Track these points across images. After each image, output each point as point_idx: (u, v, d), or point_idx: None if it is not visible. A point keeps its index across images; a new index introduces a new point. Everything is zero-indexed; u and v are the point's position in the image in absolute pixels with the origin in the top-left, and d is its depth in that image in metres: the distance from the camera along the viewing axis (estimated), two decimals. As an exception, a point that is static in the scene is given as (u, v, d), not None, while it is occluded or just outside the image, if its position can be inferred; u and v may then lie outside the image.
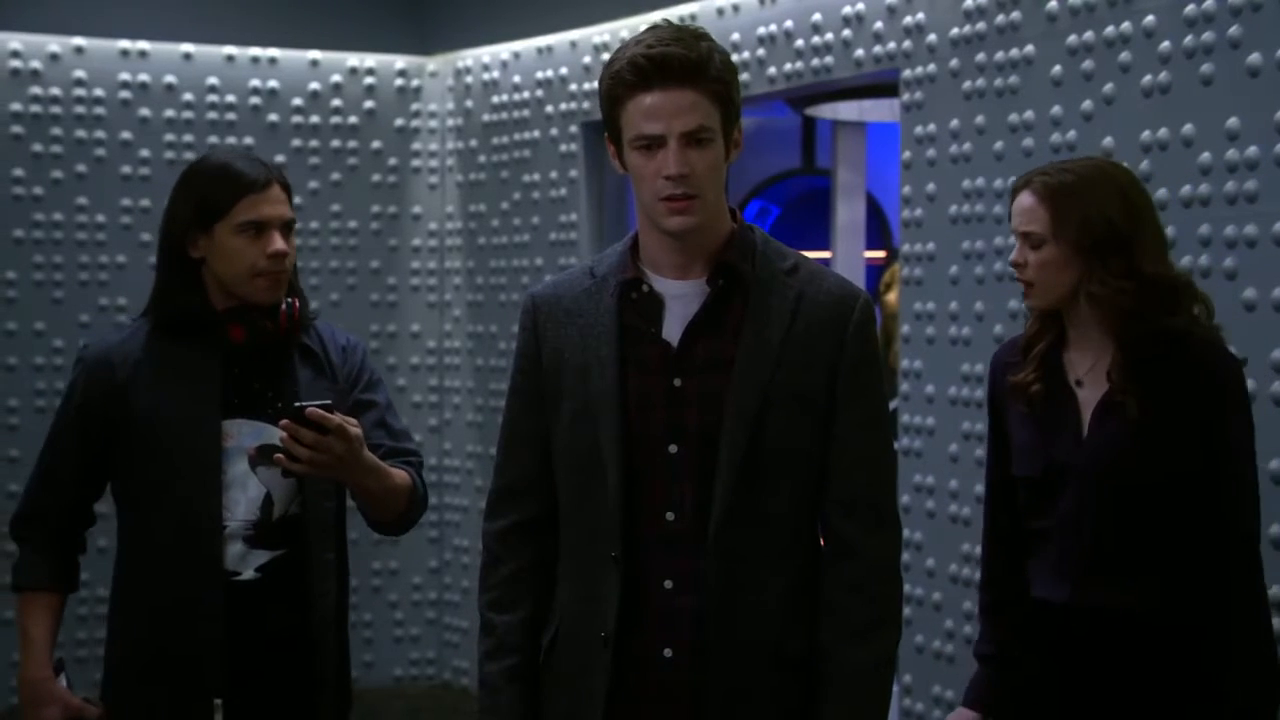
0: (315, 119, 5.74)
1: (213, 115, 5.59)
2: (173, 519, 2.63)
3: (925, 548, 4.11)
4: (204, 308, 2.67)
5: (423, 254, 5.93)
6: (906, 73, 4.16)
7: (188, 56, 5.56)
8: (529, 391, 2.27)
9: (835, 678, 2.15)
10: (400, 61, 5.87)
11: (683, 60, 2.08)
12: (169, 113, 5.53)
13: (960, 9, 4.00)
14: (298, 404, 2.46)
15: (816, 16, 4.44)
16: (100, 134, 5.45)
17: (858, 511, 2.18)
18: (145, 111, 5.51)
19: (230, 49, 5.62)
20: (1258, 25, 3.23)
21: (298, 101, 5.71)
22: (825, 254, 5.38)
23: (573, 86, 5.38)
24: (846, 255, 5.33)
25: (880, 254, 7.11)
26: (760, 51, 4.63)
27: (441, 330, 5.94)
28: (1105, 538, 2.49)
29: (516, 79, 5.61)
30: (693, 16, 4.81)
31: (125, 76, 5.48)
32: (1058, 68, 3.71)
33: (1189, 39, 3.37)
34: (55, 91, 5.40)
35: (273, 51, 5.67)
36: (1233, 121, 3.27)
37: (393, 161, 5.87)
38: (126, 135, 5.48)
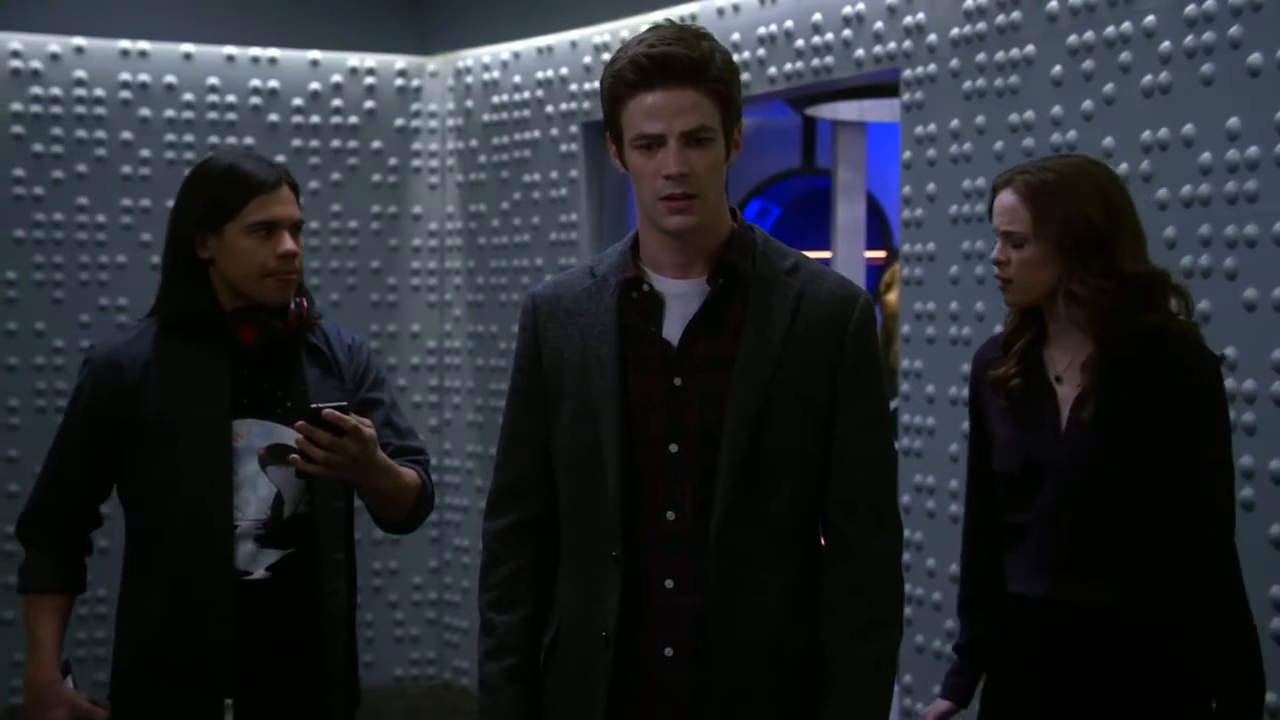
0: (315, 119, 5.74)
1: (213, 115, 5.59)
2: (183, 519, 2.62)
3: (925, 548, 4.11)
4: (213, 308, 2.67)
5: (423, 254, 5.93)
6: (907, 73, 4.16)
7: (188, 56, 5.56)
8: (529, 391, 2.27)
9: (836, 677, 2.15)
10: (400, 61, 5.87)
11: (684, 60, 2.08)
12: (169, 113, 5.53)
13: (960, 9, 4.00)
14: (313, 405, 2.47)
15: (817, 16, 4.44)
16: (100, 134, 5.45)
17: (858, 511, 2.18)
18: (145, 111, 5.51)
19: (230, 49, 5.62)
20: (1258, 25, 3.23)
21: (298, 101, 5.71)
22: (825, 254, 5.38)
23: (573, 86, 5.38)
24: (847, 255, 5.33)
25: (880, 254, 7.11)
26: (760, 51, 4.62)
27: (442, 330, 5.94)
28: (1083, 533, 2.49)
29: (517, 79, 5.61)
30: (693, 16, 4.81)
31: (125, 76, 5.48)
32: (1058, 68, 3.70)
33: (1189, 39, 3.37)
34: (55, 91, 5.40)
35: (273, 51, 5.67)
36: (1233, 121, 3.27)
37: (393, 161, 5.87)
38: (127, 135, 5.48)
